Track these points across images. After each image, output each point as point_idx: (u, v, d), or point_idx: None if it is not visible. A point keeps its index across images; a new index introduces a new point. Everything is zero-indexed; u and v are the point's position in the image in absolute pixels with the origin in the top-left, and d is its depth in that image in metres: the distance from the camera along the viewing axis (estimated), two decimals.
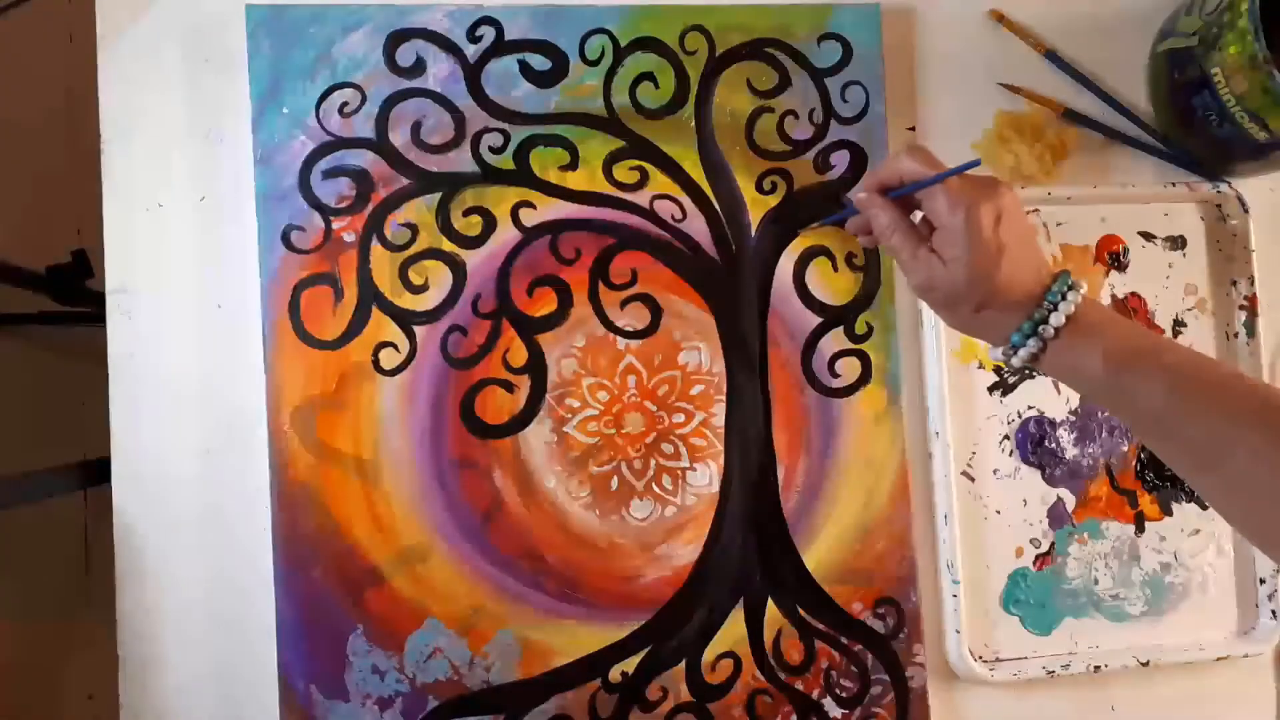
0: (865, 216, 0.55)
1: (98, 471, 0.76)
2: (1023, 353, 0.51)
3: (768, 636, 0.67)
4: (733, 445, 0.68)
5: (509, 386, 0.66)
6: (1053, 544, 0.71)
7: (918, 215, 0.55)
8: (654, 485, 0.67)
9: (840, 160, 0.70)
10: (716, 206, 0.68)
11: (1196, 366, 0.50)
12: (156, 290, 0.65)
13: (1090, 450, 0.72)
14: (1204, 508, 0.73)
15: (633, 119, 0.68)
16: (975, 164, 0.52)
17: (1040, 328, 0.51)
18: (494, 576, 0.64)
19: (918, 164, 0.52)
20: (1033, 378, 0.72)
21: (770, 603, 0.67)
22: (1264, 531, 0.48)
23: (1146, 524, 0.73)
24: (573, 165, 0.67)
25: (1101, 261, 0.74)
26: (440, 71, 0.66)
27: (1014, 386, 0.72)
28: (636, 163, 0.68)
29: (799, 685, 0.67)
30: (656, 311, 0.68)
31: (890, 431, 0.69)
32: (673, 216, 0.68)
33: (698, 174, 0.68)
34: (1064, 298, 0.51)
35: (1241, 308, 0.74)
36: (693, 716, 0.66)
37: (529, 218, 0.67)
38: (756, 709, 0.66)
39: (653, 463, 0.67)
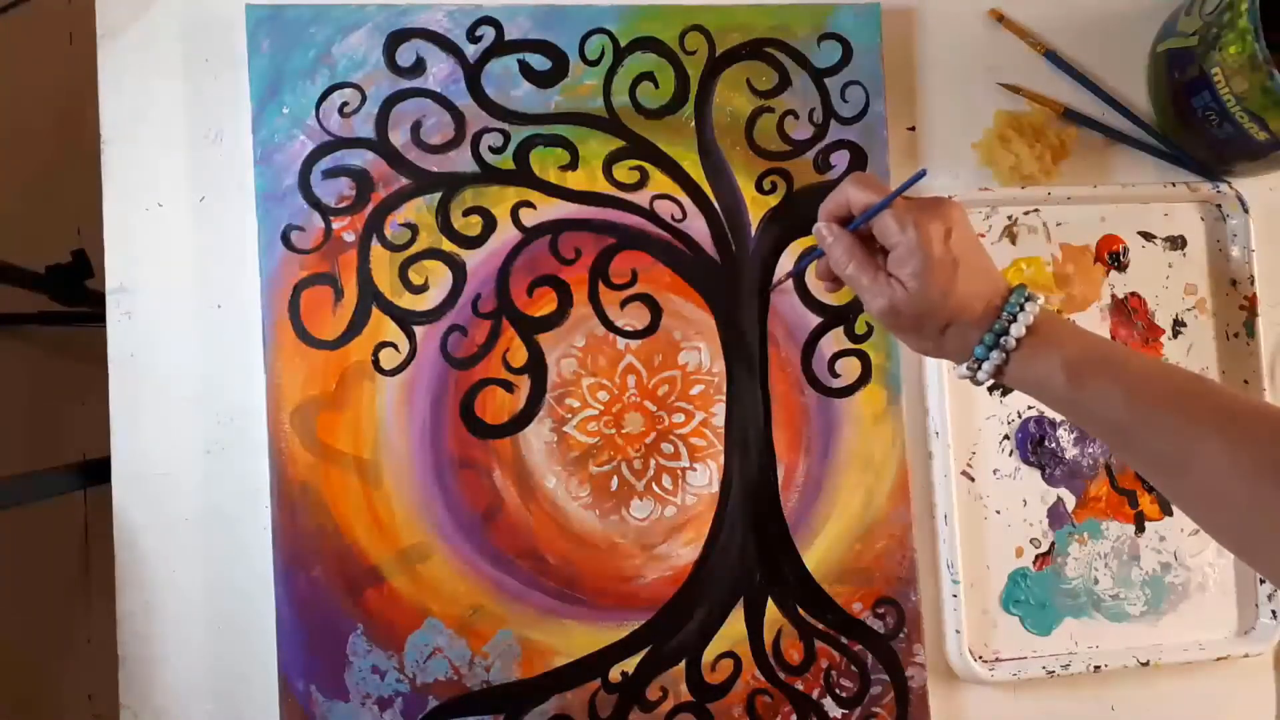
0: (824, 256, 0.55)
1: (98, 471, 0.76)
2: (987, 366, 0.52)
3: (768, 636, 0.67)
4: (733, 445, 0.68)
5: (509, 386, 0.66)
6: (1053, 544, 0.71)
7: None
8: (654, 485, 0.67)
9: (840, 160, 0.70)
10: (716, 206, 0.68)
11: (1157, 374, 0.50)
12: (156, 290, 0.65)
13: (1090, 450, 0.72)
14: None
15: (633, 119, 0.68)
16: (921, 175, 0.51)
17: (1002, 339, 0.51)
18: (494, 576, 0.64)
19: (863, 191, 0.52)
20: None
21: (770, 603, 0.67)
22: (1229, 535, 0.49)
23: (1146, 524, 0.73)
24: (573, 165, 0.67)
25: (1101, 261, 0.74)
26: (440, 71, 0.66)
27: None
28: (636, 163, 0.68)
29: (799, 685, 0.67)
30: (656, 311, 0.68)
31: (890, 431, 0.69)
32: (673, 216, 0.68)
33: (698, 174, 0.68)
34: (1023, 308, 0.51)
35: (1241, 308, 0.74)
36: (693, 716, 0.66)
37: (529, 218, 0.67)
38: (756, 709, 0.66)
39: (653, 463, 0.67)
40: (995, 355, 0.51)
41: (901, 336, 0.55)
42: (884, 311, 0.52)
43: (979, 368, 0.52)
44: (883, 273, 0.52)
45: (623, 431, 0.67)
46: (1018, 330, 0.51)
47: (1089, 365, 0.50)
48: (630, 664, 0.65)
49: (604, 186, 0.67)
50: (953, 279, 0.50)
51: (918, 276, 0.50)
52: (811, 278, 0.69)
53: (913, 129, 0.73)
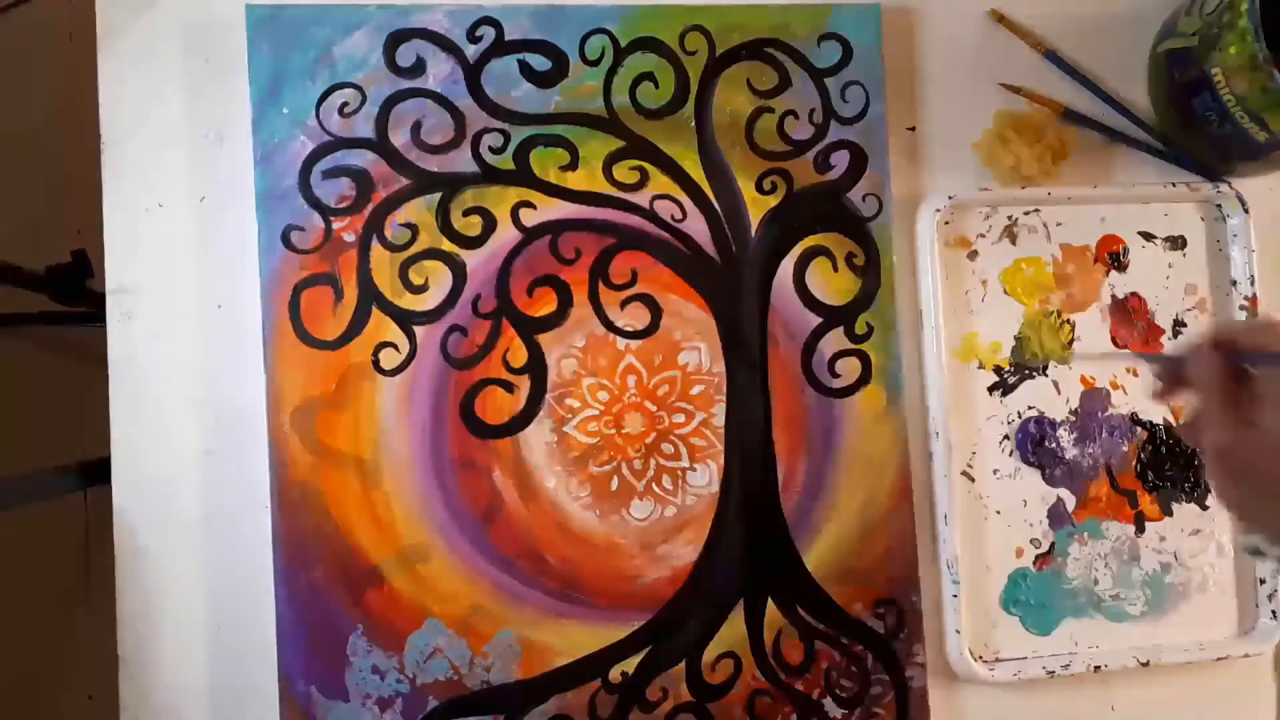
0: (1183, 367, 0.52)
1: (98, 471, 0.76)
2: None
3: (768, 637, 0.67)
4: (733, 445, 0.68)
5: (509, 386, 0.66)
6: (1053, 544, 0.71)
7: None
8: (654, 485, 0.67)
9: (840, 160, 0.70)
10: (716, 206, 0.68)
11: None
12: (156, 290, 0.65)
13: (1090, 450, 0.72)
14: (1204, 508, 0.73)
15: (633, 119, 0.68)
16: None
17: None
18: (494, 576, 0.65)
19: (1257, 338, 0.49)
20: (1033, 378, 0.72)
21: (770, 603, 0.67)
22: None
23: (1146, 524, 0.73)
24: (573, 165, 0.67)
25: (1101, 261, 0.74)
26: (440, 71, 0.66)
27: (1014, 387, 0.72)
28: (636, 163, 0.68)
29: (799, 686, 0.67)
30: (656, 311, 0.68)
31: (890, 431, 0.69)
32: (673, 216, 0.68)
33: (698, 174, 0.68)
34: None
35: (1241, 308, 0.74)
36: (693, 716, 0.66)
37: (529, 218, 0.67)
38: (756, 709, 0.66)
39: (653, 463, 0.67)
40: None
41: (1217, 480, 0.51)
42: (1216, 448, 0.49)
43: None
44: (1240, 413, 0.49)
45: (623, 432, 0.67)
46: None
47: None
48: (630, 664, 0.65)
49: (604, 186, 0.67)
50: None
51: (1271, 433, 0.47)
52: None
53: (913, 129, 0.73)
